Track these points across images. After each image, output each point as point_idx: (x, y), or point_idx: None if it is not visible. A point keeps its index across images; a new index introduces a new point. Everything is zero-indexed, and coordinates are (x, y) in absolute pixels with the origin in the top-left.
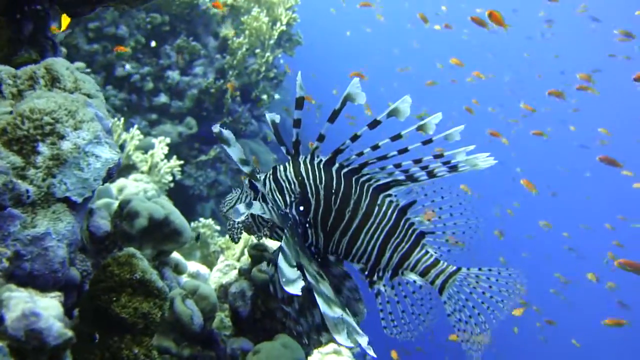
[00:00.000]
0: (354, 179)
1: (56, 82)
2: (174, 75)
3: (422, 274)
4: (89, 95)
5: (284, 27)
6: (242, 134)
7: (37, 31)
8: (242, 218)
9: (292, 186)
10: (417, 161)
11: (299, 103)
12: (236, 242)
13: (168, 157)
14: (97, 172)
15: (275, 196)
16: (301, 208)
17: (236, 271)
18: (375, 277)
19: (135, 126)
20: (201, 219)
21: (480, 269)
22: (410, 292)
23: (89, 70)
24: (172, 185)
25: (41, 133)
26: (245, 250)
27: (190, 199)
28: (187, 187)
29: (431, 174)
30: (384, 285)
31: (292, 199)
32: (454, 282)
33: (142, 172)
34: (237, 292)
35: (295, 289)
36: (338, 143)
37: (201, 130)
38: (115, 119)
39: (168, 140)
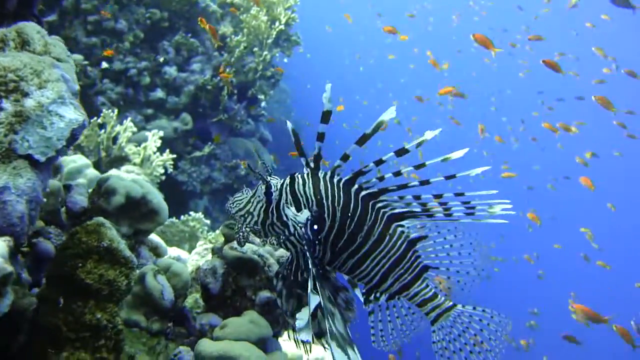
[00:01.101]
0: (370, 203)
1: (26, 44)
2: (171, 70)
3: (419, 305)
4: (58, 59)
5: (282, 27)
6: (237, 132)
7: (22, 6)
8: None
9: (310, 204)
10: (437, 196)
11: (325, 117)
12: (242, 246)
13: (161, 150)
14: (61, 131)
15: (291, 210)
16: (315, 227)
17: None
18: (372, 297)
19: (129, 118)
20: (191, 213)
21: (474, 308)
22: (403, 314)
23: (86, 62)
24: (163, 178)
25: (5, 90)
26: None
27: (183, 195)
28: (180, 183)
29: (448, 214)
30: (379, 306)
31: (309, 217)
32: (447, 317)
33: (134, 164)
34: (208, 269)
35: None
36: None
37: (196, 126)
38: (109, 110)
39: (161, 133)
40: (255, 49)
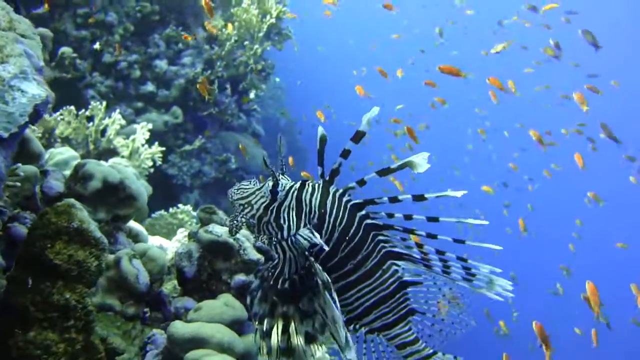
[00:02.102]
0: (372, 234)
1: None
2: (161, 64)
3: (398, 348)
4: (23, 36)
5: (273, 20)
6: (229, 126)
7: None
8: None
9: (312, 215)
10: (440, 252)
11: (357, 137)
12: (233, 235)
13: (150, 143)
14: (23, 107)
15: (291, 215)
16: (307, 247)
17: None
18: (350, 327)
19: (117, 110)
20: (180, 205)
21: (455, 358)
22: (380, 350)
23: (75, 55)
24: (152, 170)
25: None
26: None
27: (173, 189)
28: (170, 177)
29: (446, 271)
30: (357, 337)
31: (308, 247)
32: None
33: (122, 157)
34: (183, 252)
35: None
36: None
37: (187, 120)
38: (97, 102)
39: (150, 126)
40: (246, 42)
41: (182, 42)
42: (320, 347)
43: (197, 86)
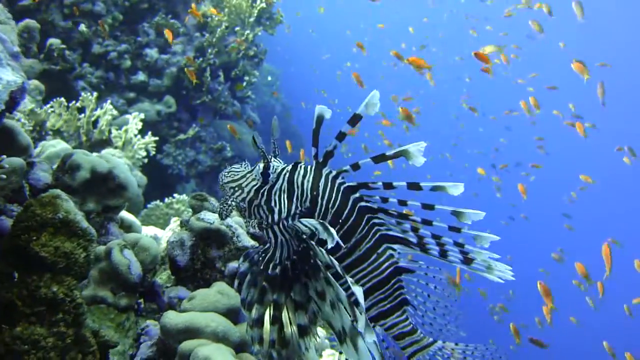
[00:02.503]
0: (366, 217)
1: None
2: (152, 53)
3: (396, 338)
4: None
5: (264, 5)
6: (223, 114)
7: None
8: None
9: (304, 198)
10: (436, 237)
11: (354, 120)
12: (222, 219)
13: (143, 133)
14: None
15: (282, 198)
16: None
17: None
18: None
19: (108, 101)
20: (175, 195)
21: (456, 344)
22: (379, 340)
23: (64, 46)
24: (146, 160)
25: None
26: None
27: (169, 179)
28: (165, 167)
29: (443, 254)
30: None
31: (297, 211)
32: (426, 353)
33: (115, 148)
34: (175, 241)
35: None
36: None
37: (180, 109)
38: (88, 93)
39: (142, 116)
40: (237, 28)
41: (173, 30)
42: (314, 339)
43: (186, 70)
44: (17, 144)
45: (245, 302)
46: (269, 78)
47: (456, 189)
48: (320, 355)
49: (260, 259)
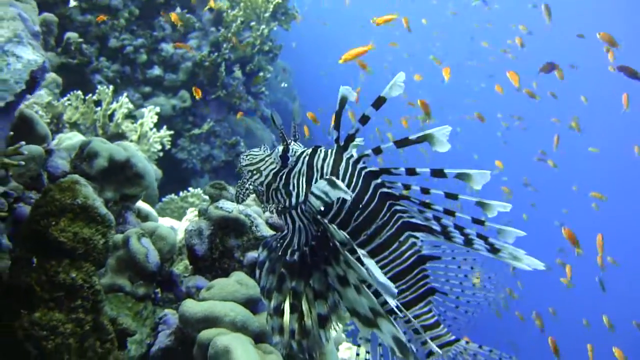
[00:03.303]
0: (388, 203)
1: None
2: (167, 47)
3: (416, 332)
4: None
5: (279, 0)
6: (237, 109)
7: None
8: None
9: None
10: (459, 228)
11: (379, 103)
12: (239, 202)
13: (159, 128)
14: (19, 73)
15: (301, 181)
16: (322, 208)
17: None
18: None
19: (125, 94)
20: (190, 189)
21: (480, 347)
22: None
23: (81, 40)
24: (161, 154)
25: None
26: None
27: (184, 173)
28: (180, 161)
29: (468, 242)
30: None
31: (322, 208)
32: (447, 352)
33: (131, 141)
34: (193, 230)
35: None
36: None
37: (195, 103)
38: (104, 87)
39: (157, 109)
40: (253, 23)
41: (188, 25)
42: (335, 330)
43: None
44: (35, 133)
45: (264, 290)
46: (283, 73)
47: (482, 177)
48: (337, 350)
49: (279, 245)
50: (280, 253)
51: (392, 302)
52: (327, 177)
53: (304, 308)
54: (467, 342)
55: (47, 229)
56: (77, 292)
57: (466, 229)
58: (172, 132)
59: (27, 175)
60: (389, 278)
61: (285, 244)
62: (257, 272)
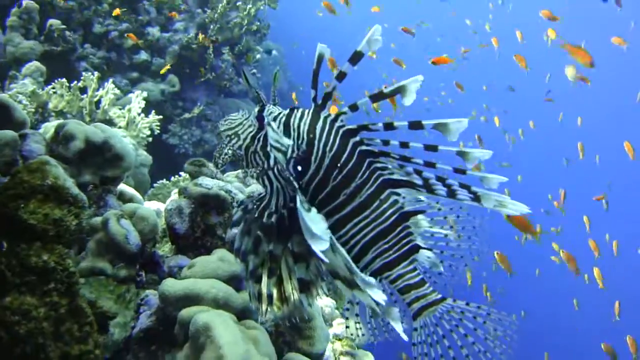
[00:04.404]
0: (367, 160)
1: None
2: (154, 31)
3: (401, 292)
4: None
5: None
6: (228, 92)
7: None
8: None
9: (300, 141)
10: (440, 179)
11: (356, 58)
12: (218, 168)
13: (148, 113)
14: None
15: (272, 150)
16: (299, 168)
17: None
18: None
19: (110, 80)
20: (182, 173)
21: (468, 304)
22: None
23: (64, 27)
24: (150, 140)
25: None
26: None
27: (176, 158)
28: (172, 146)
29: (452, 193)
30: None
31: (294, 155)
32: (433, 312)
33: (119, 127)
34: (173, 208)
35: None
36: None
37: (184, 87)
38: (89, 73)
39: (145, 94)
40: (239, 3)
41: (174, 7)
42: (319, 296)
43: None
44: (12, 119)
45: (239, 251)
46: (273, 52)
47: (459, 125)
48: (331, 325)
49: (255, 207)
50: (256, 215)
51: (321, 248)
52: (272, 122)
53: (283, 273)
54: (454, 301)
55: (16, 211)
56: (49, 275)
57: (448, 179)
58: (160, 117)
59: (1, 161)
60: (372, 237)
61: (262, 205)
62: (229, 231)
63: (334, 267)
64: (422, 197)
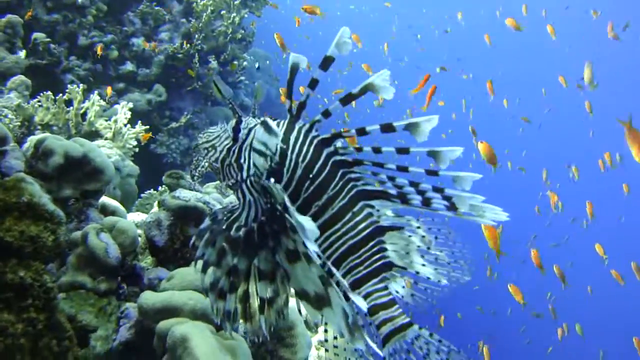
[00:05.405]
0: (341, 171)
1: None
2: (139, 42)
3: (370, 312)
4: None
5: None
6: (215, 101)
7: None
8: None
9: (274, 152)
10: (414, 184)
11: (325, 63)
12: (194, 180)
13: (134, 123)
14: None
15: (252, 154)
16: (272, 180)
17: None
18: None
19: (96, 92)
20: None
21: (431, 335)
22: None
23: (49, 40)
24: (137, 150)
25: None
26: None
27: (164, 168)
28: (160, 156)
29: (426, 202)
30: None
31: (267, 166)
32: (403, 337)
33: (106, 139)
34: (151, 221)
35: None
36: None
37: (171, 97)
38: (74, 86)
39: (130, 105)
40: (223, 11)
41: (159, 18)
42: (280, 318)
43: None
44: None
45: (198, 260)
46: (257, 65)
47: (428, 124)
48: (316, 332)
49: (224, 218)
50: (224, 226)
51: (311, 247)
52: (262, 119)
53: (250, 289)
54: (419, 328)
55: None
56: (27, 291)
57: (422, 183)
58: (147, 127)
59: None
60: (342, 252)
61: (232, 217)
62: (192, 239)
63: (303, 285)
64: (399, 211)
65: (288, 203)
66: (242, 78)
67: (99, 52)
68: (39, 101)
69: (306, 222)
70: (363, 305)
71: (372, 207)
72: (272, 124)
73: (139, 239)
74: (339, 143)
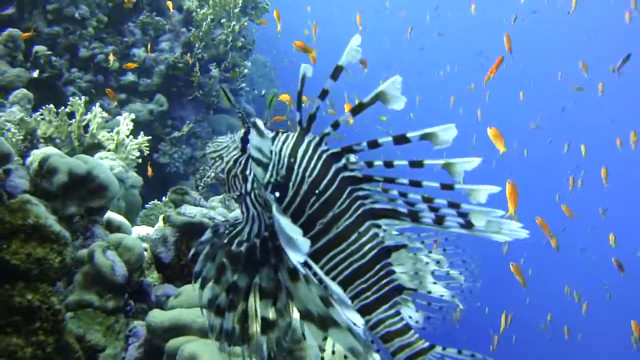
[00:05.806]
0: (349, 188)
1: None
2: (139, 52)
3: (383, 340)
4: None
5: None
6: (216, 109)
7: None
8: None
9: (280, 165)
10: (427, 200)
11: (336, 73)
12: (198, 191)
13: (136, 134)
14: None
15: (251, 163)
16: (276, 194)
17: None
18: None
19: (97, 104)
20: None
21: (460, 352)
22: None
23: (50, 52)
24: (140, 161)
25: None
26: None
27: (168, 177)
28: (163, 165)
29: (439, 220)
30: None
31: (272, 179)
32: None
33: (109, 151)
34: (157, 238)
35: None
36: None
37: (172, 106)
38: (76, 98)
39: (132, 116)
40: (223, 20)
41: (159, 28)
42: (282, 341)
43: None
44: None
45: (197, 275)
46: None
47: (448, 133)
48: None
49: (226, 232)
50: (225, 241)
51: (295, 259)
52: (252, 120)
53: (250, 309)
54: (443, 349)
55: None
56: (34, 314)
57: (436, 199)
58: (149, 137)
59: None
60: (348, 275)
61: (234, 232)
62: (192, 252)
63: (307, 305)
64: (406, 230)
65: (276, 212)
66: (243, 85)
67: (110, 60)
68: (41, 114)
69: (294, 233)
70: (359, 321)
71: (379, 226)
72: (262, 124)
73: (145, 253)
74: (352, 157)
